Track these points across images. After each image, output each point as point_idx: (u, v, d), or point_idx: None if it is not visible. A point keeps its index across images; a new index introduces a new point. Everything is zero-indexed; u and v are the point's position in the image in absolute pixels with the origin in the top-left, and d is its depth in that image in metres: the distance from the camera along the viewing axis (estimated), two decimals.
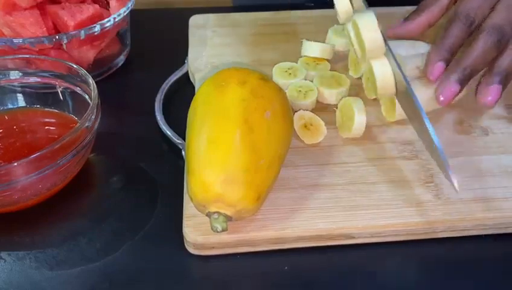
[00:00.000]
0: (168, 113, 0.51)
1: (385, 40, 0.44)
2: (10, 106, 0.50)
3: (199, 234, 0.39)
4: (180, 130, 0.48)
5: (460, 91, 0.44)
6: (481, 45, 0.44)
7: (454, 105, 0.52)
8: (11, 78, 0.49)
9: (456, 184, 0.39)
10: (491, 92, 0.44)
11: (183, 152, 0.47)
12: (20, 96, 0.50)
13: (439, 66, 0.45)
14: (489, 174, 0.44)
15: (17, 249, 0.41)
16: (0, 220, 0.42)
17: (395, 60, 0.44)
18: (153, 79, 0.56)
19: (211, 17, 0.65)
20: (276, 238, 0.40)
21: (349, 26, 0.46)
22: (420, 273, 0.39)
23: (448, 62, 0.45)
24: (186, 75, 0.57)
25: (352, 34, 0.47)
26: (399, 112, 0.47)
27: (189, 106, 0.42)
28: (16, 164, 0.38)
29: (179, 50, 0.61)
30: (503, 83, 0.44)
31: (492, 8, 0.46)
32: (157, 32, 0.67)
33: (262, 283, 0.39)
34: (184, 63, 0.58)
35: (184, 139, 0.47)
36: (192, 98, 0.42)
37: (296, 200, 0.42)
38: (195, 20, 0.64)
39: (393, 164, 0.45)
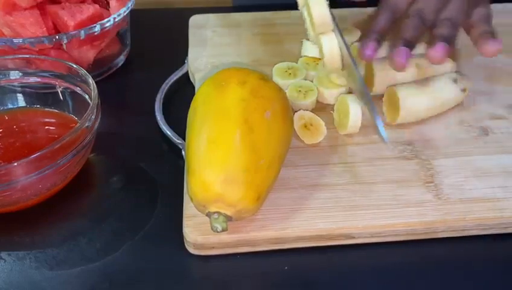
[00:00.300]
0: (168, 113, 0.51)
1: (334, 18, 0.46)
2: (10, 106, 0.50)
3: (199, 234, 0.39)
4: (180, 130, 0.48)
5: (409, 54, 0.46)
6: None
7: (454, 104, 0.52)
8: (11, 78, 0.49)
9: (384, 134, 0.42)
10: (438, 48, 0.45)
11: (183, 152, 0.47)
12: (20, 96, 0.50)
13: (372, 45, 0.46)
14: (489, 174, 0.44)
15: (17, 249, 0.41)
16: (0, 220, 0.42)
17: (342, 37, 0.46)
18: (153, 79, 0.56)
19: (211, 17, 0.65)
20: (276, 238, 0.40)
21: (304, 9, 0.48)
22: (420, 273, 0.39)
23: (379, 43, 0.47)
24: (186, 75, 0.57)
25: (305, 14, 0.48)
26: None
27: (189, 106, 0.42)
28: (15, 164, 0.38)
29: (179, 50, 0.61)
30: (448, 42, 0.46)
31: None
32: (157, 32, 0.67)
33: (262, 283, 0.39)
34: (184, 63, 0.58)
35: (184, 139, 0.47)
36: (192, 98, 0.42)
37: (296, 200, 0.42)
38: (195, 20, 0.64)
39: (393, 164, 0.45)
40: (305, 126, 0.47)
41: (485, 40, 0.47)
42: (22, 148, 0.46)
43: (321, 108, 0.51)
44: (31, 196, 0.42)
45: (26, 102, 0.50)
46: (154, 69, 0.59)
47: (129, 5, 0.56)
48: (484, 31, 0.48)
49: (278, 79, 0.52)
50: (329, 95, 0.51)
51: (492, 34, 0.48)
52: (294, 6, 0.65)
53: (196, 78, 0.55)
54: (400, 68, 0.46)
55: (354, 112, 0.46)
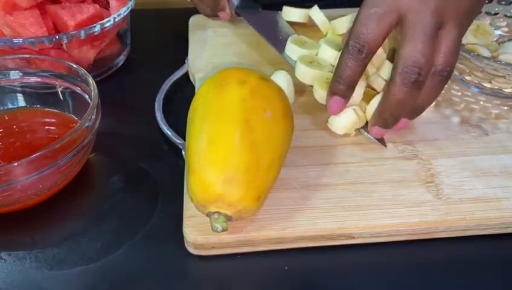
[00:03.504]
0: (168, 113, 0.51)
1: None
2: (10, 106, 0.50)
3: (199, 234, 0.39)
4: (180, 130, 0.48)
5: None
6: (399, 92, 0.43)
7: (454, 104, 0.52)
8: (11, 78, 0.49)
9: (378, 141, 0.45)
10: (400, 125, 0.46)
11: (183, 152, 0.47)
12: (20, 96, 0.50)
13: (337, 100, 0.45)
14: (489, 174, 0.44)
15: (17, 249, 0.41)
16: (0, 220, 0.42)
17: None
18: (153, 79, 0.56)
19: None
20: (276, 238, 0.40)
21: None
22: (420, 273, 0.39)
23: (346, 96, 0.45)
24: (186, 75, 0.57)
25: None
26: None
27: (189, 106, 0.42)
28: (16, 164, 0.38)
29: (179, 50, 0.61)
30: (413, 116, 0.45)
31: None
32: (157, 32, 0.67)
33: (262, 283, 0.39)
34: (184, 63, 0.58)
35: (184, 139, 0.47)
36: (192, 98, 0.42)
37: (296, 200, 0.42)
38: (195, 20, 0.64)
39: (393, 164, 0.45)
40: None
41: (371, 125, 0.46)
42: (22, 148, 0.46)
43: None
44: (31, 196, 0.42)
45: (26, 102, 0.50)
46: (154, 69, 0.59)
47: (129, 5, 0.56)
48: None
49: (303, 66, 0.50)
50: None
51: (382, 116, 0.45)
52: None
53: (196, 78, 0.55)
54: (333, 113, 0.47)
55: (345, 114, 0.47)
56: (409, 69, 0.41)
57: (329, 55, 0.52)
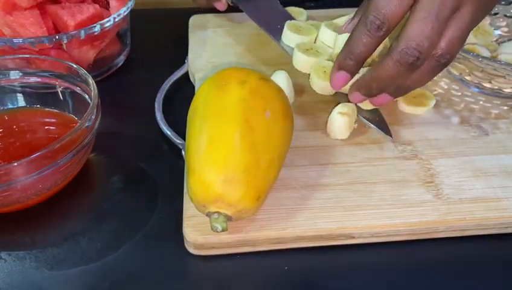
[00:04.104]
0: (168, 113, 0.51)
1: None
2: (10, 106, 0.50)
3: (199, 234, 0.39)
4: (180, 130, 0.48)
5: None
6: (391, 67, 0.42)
7: (454, 104, 0.52)
8: (11, 78, 0.49)
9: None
10: (380, 100, 0.45)
11: (183, 152, 0.47)
12: (20, 96, 0.50)
13: (342, 76, 0.44)
14: (489, 174, 0.44)
15: (17, 249, 0.41)
16: (0, 220, 0.42)
17: None
18: (153, 79, 0.56)
19: (211, 17, 0.65)
20: (276, 238, 0.40)
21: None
22: (420, 273, 0.39)
23: (353, 72, 0.44)
24: (186, 75, 0.57)
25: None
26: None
27: (189, 106, 0.42)
28: (15, 164, 0.38)
29: (179, 50, 0.61)
30: (396, 95, 0.45)
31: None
32: (157, 32, 0.67)
33: (262, 283, 0.39)
34: (184, 63, 0.58)
35: (184, 139, 0.47)
36: (192, 98, 0.42)
37: (296, 200, 0.42)
38: (195, 20, 0.64)
39: (393, 164, 0.45)
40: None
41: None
42: (22, 148, 0.46)
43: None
44: (31, 196, 0.42)
45: (26, 102, 0.50)
46: (154, 69, 0.59)
47: (129, 5, 0.56)
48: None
49: (300, 54, 0.50)
50: (324, 86, 0.49)
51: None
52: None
53: (196, 78, 0.55)
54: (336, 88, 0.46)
55: (338, 123, 0.47)
56: (410, 50, 0.40)
57: (328, 37, 0.51)
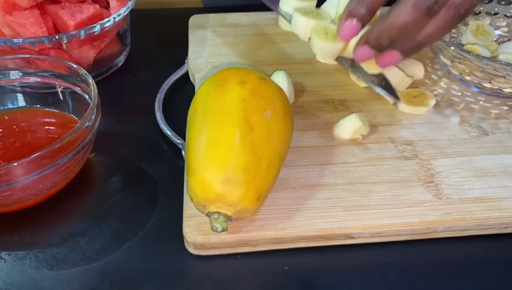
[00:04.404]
0: (168, 113, 0.51)
1: None
2: (10, 106, 0.50)
3: (199, 234, 0.39)
4: (180, 130, 0.48)
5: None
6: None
7: (454, 104, 0.52)
8: (11, 78, 0.49)
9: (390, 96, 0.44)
10: (389, 55, 0.42)
11: (183, 152, 0.47)
12: (20, 96, 0.50)
13: (352, 25, 0.41)
14: (489, 174, 0.44)
15: (17, 249, 0.41)
16: (0, 220, 0.42)
17: None
18: (153, 79, 0.56)
19: (211, 17, 0.65)
20: (276, 238, 0.40)
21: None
22: (420, 273, 0.39)
23: (364, 21, 0.42)
24: (186, 75, 0.57)
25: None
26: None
27: (189, 106, 0.42)
28: (15, 164, 0.38)
29: (179, 50, 0.61)
30: (407, 53, 0.43)
31: None
32: (157, 32, 0.67)
33: (262, 283, 0.39)
34: (184, 63, 0.58)
35: (184, 139, 0.47)
36: (192, 98, 0.42)
37: (296, 200, 0.42)
38: (195, 20, 0.64)
39: (393, 164, 0.45)
40: None
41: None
42: (22, 148, 0.46)
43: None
44: (31, 196, 0.42)
45: (26, 102, 0.50)
46: (154, 69, 0.59)
47: (129, 5, 0.56)
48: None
49: (299, 16, 0.48)
50: (325, 48, 0.48)
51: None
52: (266, 8, 0.66)
53: (196, 78, 0.55)
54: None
55: (349, 120, 0.47)
56: None
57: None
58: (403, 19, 0.39)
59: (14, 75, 0.49)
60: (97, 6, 0.54)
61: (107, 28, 0.53)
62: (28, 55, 0.50)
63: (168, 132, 0.49)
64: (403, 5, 0.39)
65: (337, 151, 0.46)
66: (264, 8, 0.64)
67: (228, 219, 0.37)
